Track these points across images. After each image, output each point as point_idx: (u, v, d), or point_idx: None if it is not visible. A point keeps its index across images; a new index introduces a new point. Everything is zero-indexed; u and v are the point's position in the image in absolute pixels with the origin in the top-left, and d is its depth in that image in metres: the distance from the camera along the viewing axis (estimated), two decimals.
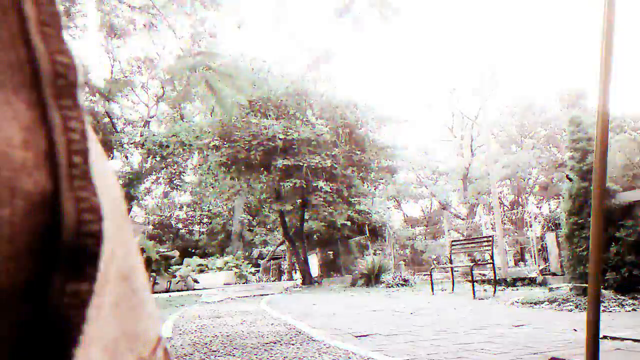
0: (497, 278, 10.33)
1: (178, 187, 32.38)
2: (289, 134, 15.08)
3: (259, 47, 49.48)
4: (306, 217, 17.95)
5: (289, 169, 15.43)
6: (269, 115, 16.14)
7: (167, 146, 24.23)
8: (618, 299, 5.97)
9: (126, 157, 29.19)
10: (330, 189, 15.27)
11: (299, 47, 21.70)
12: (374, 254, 17.98)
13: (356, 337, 4.12)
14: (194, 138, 21.43)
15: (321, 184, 15.04)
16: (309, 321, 5.49)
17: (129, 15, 21.22)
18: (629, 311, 5.44)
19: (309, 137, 15.38)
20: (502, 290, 9.85)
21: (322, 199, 15.37)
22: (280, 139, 14.97)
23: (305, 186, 15.35)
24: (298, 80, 17.01)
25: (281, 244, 27.10)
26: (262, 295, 12.37)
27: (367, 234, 19.95)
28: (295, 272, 24.24)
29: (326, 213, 15.83)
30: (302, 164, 15.14)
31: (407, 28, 62.88)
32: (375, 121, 18.05)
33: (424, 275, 18.15)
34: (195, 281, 19.17)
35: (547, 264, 12.43)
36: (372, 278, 13.93)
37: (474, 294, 8.27)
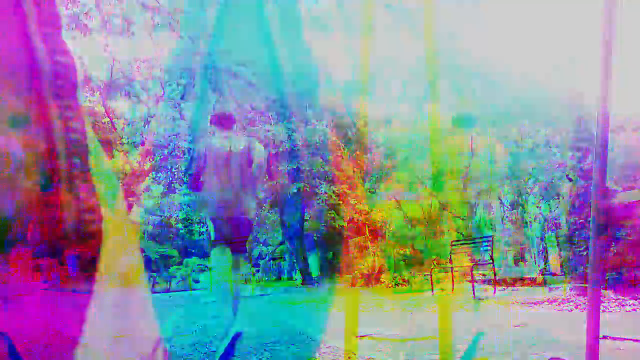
0: (497, 278, 10.32)
1: (177, 190, 32.29)
2: (291, 137, 15.01)
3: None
4: (306, 217, 17.93)
5: (290, 173, 15.40)
6: (271, 117, 16.08)
7: (167, 146, 24.21)
8: (618, 299, 5.97)
9: (126, 157, 29.16)
10: (333, 192, 15.22)
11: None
12: (374, 254, 17.96)
13: (356, 337, 4.12)
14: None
15: (323, 188, 14.99)
16: (309, 321, 5.49)
17: (128, 15, 21.22)
18: (629, 311, 5.43)
19: (310, 138, 15.33)
20: (502, 290, 9.84)
21: (323, 202, 15.33)
22: (284, 142, 14.90)
23: (307, 190, 15.31)
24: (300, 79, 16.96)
25: (281, 244, 27.09)
26: (261, 295, 12.37)
27: (367, 234, 19.93)
28: (295, 272, 24.23)
29: (327, 218, 15.81)
30: (304, 168, 15.09)
31: (407, 26, 62.80)
32: (377, 120, 18.01)
33: (424, 275, 18.15)
34: (196, 281, 19.16)
35: (547, 264, 12.43)
36: (372, 278, 13.92)
37: (474, 294, 8.27)
